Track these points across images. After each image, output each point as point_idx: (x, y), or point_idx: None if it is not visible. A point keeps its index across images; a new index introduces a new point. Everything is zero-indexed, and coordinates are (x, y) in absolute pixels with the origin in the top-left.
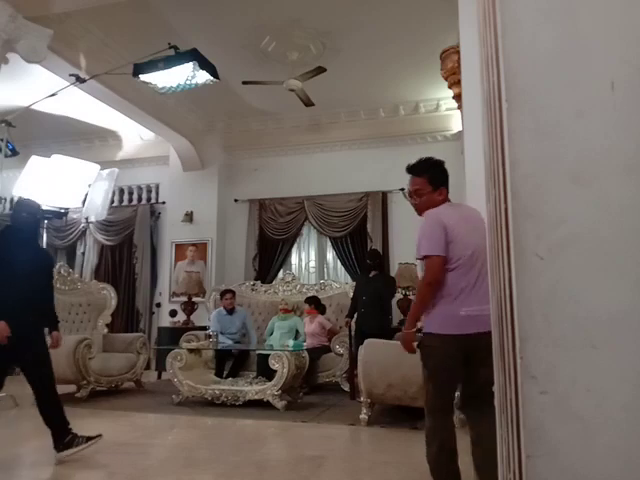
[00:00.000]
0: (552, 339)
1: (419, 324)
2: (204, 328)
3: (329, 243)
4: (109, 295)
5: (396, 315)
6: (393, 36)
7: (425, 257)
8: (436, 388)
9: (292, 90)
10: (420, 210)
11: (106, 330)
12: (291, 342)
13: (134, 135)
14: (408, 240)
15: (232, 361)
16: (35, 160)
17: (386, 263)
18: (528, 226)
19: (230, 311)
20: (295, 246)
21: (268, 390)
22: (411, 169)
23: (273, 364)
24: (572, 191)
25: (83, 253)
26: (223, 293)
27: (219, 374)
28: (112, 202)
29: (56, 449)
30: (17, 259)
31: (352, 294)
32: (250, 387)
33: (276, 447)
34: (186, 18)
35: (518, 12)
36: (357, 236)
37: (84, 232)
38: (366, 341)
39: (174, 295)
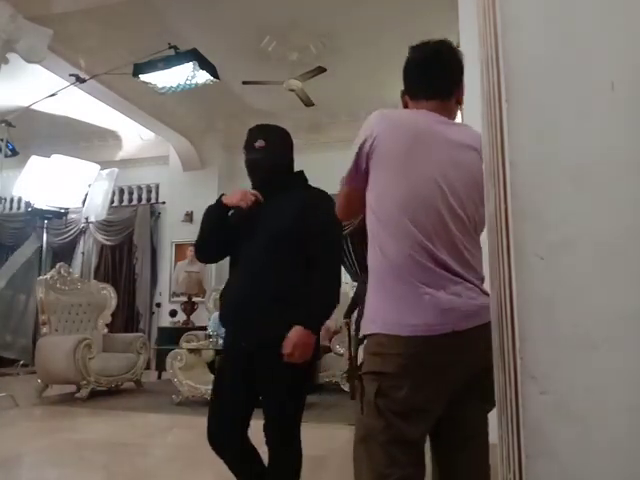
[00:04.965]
0: (552, 339)
1: None
2: (204, 328)
3: None
4: (109, 295)
5: None
6: (393, 36)
7: None
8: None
9: (292, 90)
10: None
11: (106, 330)
12: None
13: (134, 135)
14: None
15: None
16: (35, 160)
17: None
18: (528, 226)
19: None
20: None
21: None
22: None
23: None
24: (572, 191)
25: (83, 253)
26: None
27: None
28: (112, 202)
29: None
30: None
31: (352, 294)
32: None
33: None
34: (186, 18)
35: (518, 12)
36: (357, 236)
37: (84, 232)
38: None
39: (174, 295)
